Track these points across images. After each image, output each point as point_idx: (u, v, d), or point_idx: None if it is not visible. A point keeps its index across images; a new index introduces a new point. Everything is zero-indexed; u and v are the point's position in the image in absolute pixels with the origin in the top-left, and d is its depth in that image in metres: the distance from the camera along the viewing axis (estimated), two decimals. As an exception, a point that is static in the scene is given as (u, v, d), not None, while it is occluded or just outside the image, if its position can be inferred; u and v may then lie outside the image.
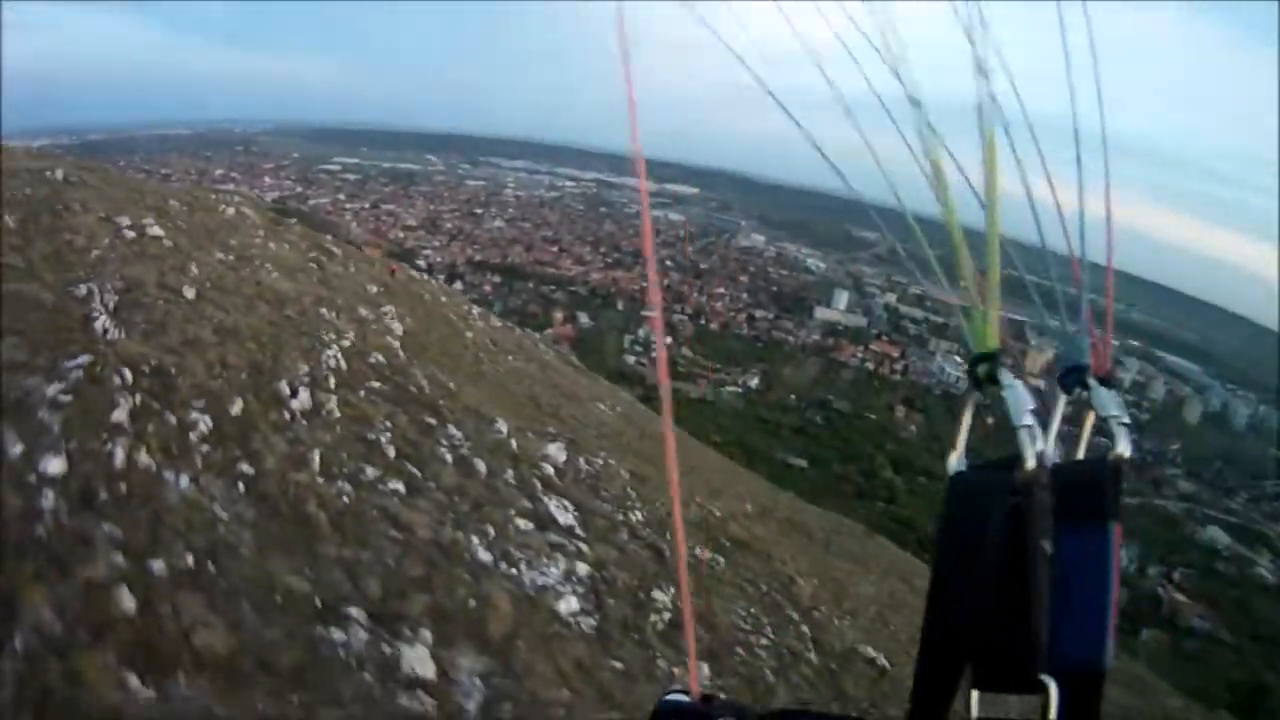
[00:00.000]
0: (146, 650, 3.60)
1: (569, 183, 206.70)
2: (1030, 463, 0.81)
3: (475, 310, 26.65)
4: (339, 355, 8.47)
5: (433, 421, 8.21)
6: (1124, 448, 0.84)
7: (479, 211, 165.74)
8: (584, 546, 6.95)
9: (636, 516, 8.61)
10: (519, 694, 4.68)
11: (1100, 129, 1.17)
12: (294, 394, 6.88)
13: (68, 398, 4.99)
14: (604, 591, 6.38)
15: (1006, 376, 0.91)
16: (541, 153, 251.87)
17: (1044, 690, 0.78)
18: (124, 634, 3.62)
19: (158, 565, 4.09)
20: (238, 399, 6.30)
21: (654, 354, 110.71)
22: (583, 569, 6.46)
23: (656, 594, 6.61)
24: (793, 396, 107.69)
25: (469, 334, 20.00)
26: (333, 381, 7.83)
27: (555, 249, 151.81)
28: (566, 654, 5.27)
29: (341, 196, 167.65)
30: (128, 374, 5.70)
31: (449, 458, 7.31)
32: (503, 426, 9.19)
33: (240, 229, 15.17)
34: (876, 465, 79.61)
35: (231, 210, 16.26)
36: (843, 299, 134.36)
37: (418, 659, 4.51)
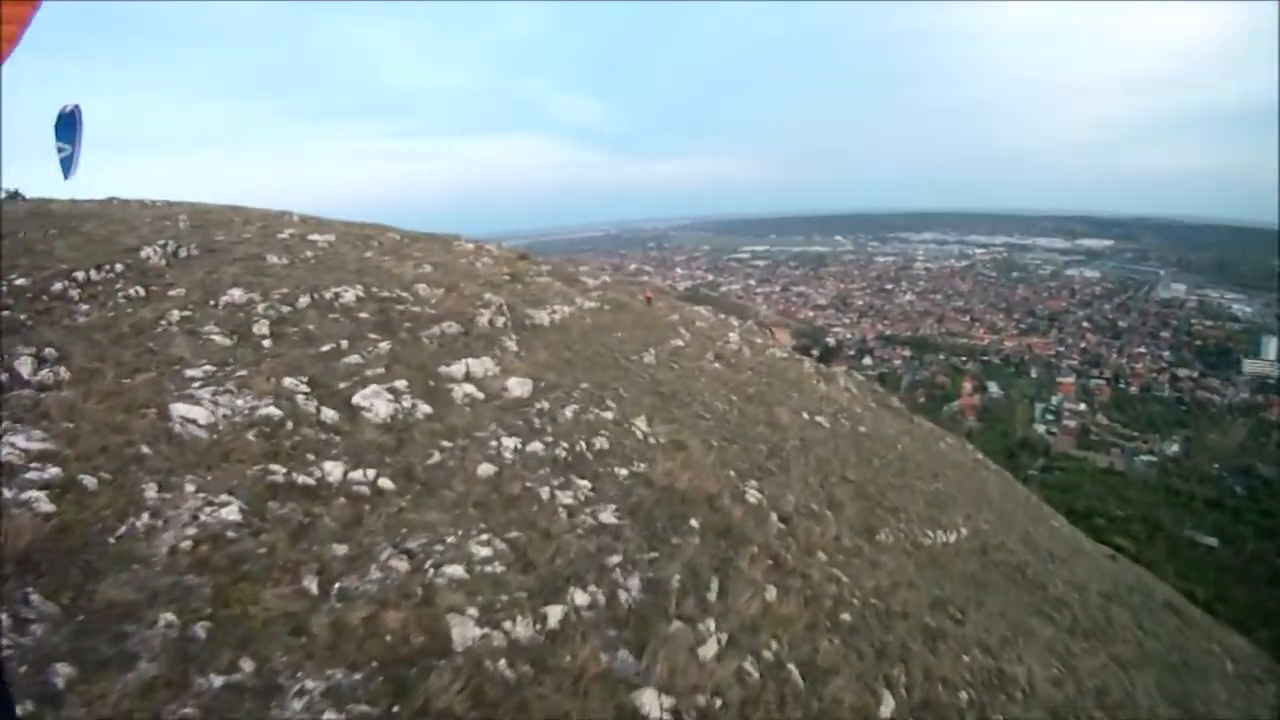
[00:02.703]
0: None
1: (979, 250, 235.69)
2: None
3: (735, 337, 33.96)
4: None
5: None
6: None
7: (889, 287, 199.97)
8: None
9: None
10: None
11: None
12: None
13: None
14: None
15: None
16: (950, 222, 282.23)
17: None
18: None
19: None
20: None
21: (1065, 422, 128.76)
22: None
23: None
24: (1214, 465, 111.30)
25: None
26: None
27: (967, 318, 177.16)
28: None
29: (752, 282, 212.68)
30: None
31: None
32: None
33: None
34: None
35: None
36: (1272, 346, 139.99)
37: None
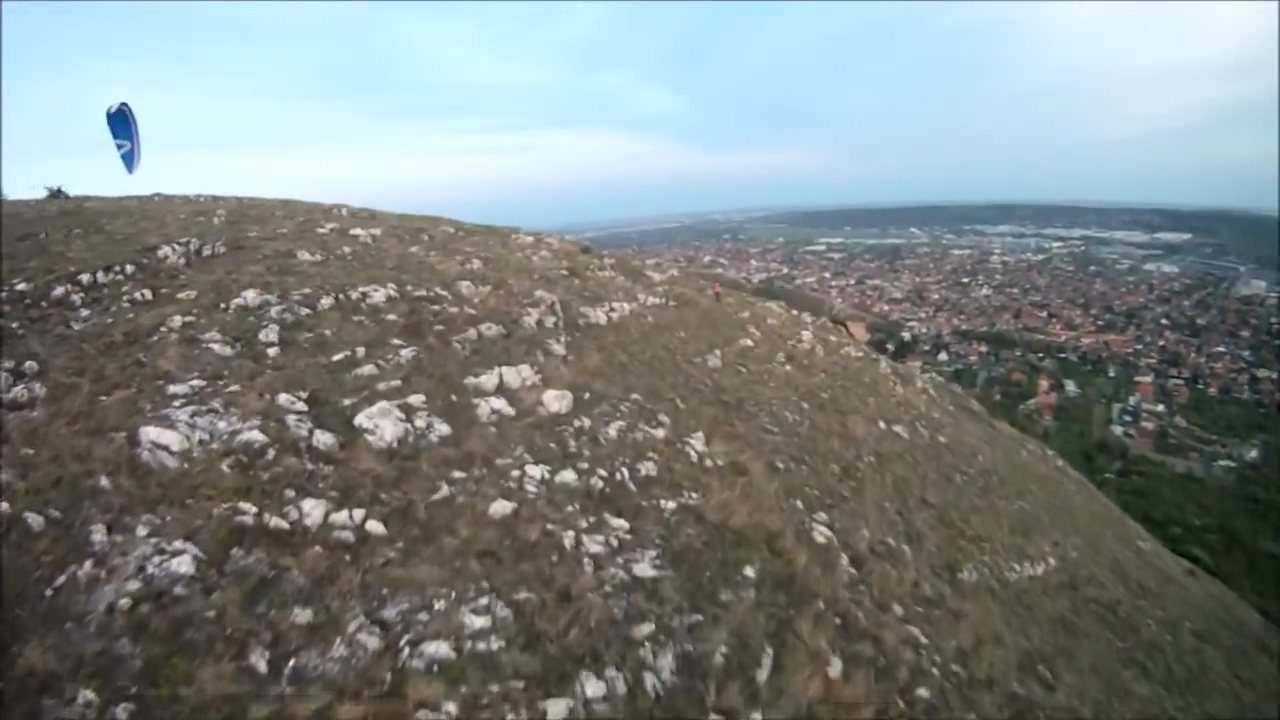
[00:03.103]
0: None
1: (1056, 243, 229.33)
2: None
3: (808, 334, 32.91)
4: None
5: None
6: None
7: (965, 281, 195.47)
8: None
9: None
10: None
11: None
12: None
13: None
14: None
15: None
16: (1026, 214, 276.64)
17: None
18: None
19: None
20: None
21: (1143, 424, 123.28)
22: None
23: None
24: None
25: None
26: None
27: (1044, 314, 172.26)
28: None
29: (827, 275, 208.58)
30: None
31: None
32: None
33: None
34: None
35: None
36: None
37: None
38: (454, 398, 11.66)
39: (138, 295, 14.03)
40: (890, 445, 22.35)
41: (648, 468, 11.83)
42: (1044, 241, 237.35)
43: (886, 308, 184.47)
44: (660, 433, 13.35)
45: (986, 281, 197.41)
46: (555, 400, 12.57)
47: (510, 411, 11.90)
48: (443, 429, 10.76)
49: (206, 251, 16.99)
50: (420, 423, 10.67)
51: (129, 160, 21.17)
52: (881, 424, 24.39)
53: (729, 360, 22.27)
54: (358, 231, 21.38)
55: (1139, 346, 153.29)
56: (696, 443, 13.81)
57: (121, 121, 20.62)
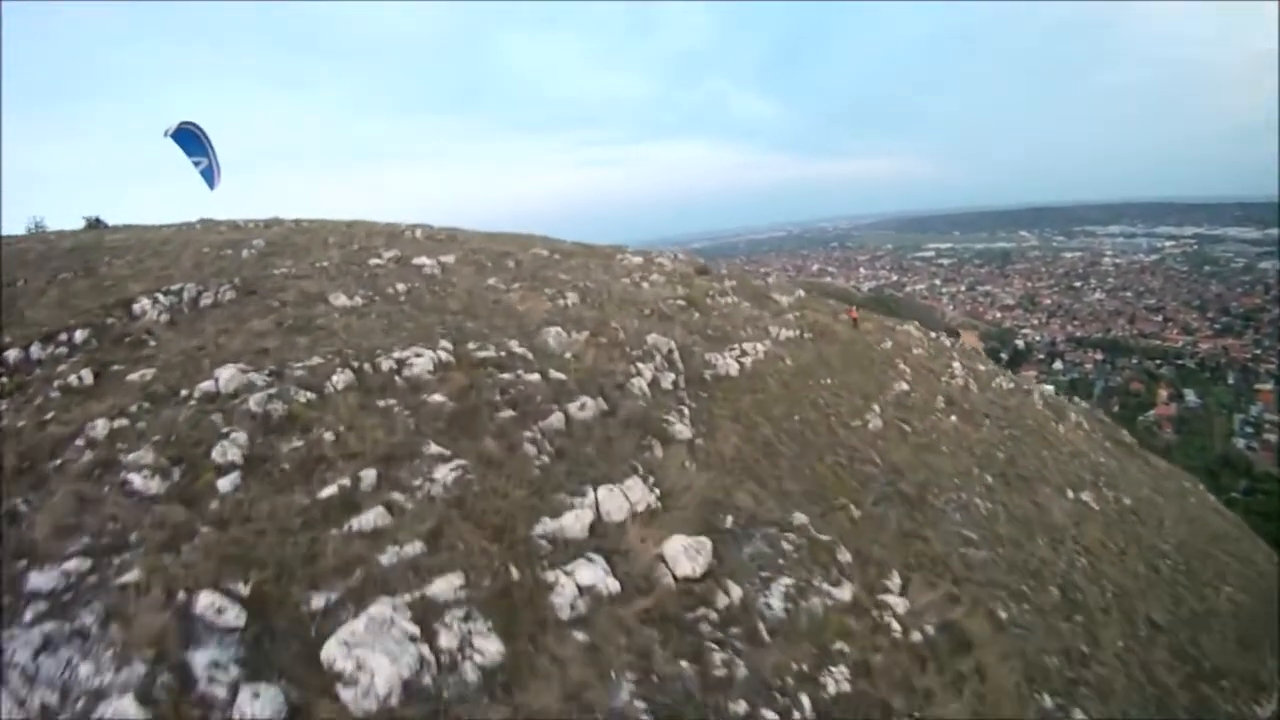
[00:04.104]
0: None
1: (1169, 243, 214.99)
2: None
3: (959, 367, 26.81)
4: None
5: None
6: None
7: (1077, 285, 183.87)
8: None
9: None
10: None
11: None
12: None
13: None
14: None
15: None
16: (1136, 213, 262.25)
17: None
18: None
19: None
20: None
21: (1265, 435, 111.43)
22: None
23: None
24: None
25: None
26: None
27: (1159, 318, 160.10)
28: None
29: (937, 281, 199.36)
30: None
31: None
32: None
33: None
34: None
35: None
36: None
37: None
38: (515, 572, 6.47)
39: (74, 379, 9.42)
40: (1090, 529, 17.80)
41: (839, 679, 6.62)
42: (1156, 241, 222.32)
43: (999, 314, 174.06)
44: (845, 591, 8.12)
45: (1099, 285, 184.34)
46: (684, 554, 7.39)
47: (610, 588, 6.73)
48: (490, 649, 5.65)
49: (206, 300, 12.53)
50: (449, 641, 5.58)
51: (209, 176, 19.22)
52: (1070, 493, 19.42)
53: (890, 417, 16.95)
54: (423, 261, 16.77)
55: (1258, 351, 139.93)
56: (895, 600, 8.53)
57: (190, 139, 18.79)
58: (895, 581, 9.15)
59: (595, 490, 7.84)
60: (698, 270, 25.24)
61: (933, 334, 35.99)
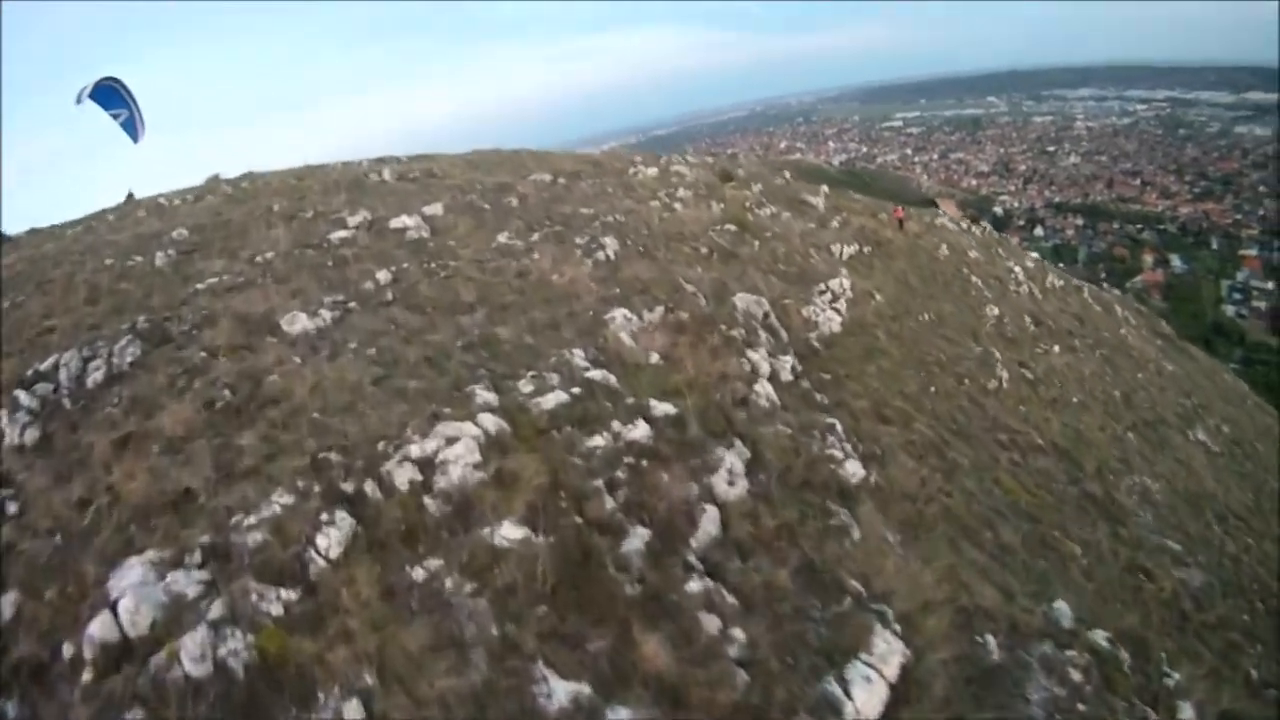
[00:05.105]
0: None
1: (1140, 106, 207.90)
2: None
3: (1018, 270, 24.36)
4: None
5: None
6: None
7: (1051, 149, 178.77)
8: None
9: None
10: None
11: None
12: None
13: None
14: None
15: None
16: (1106, 76, 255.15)
17: None
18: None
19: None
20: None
21: (1254, 303, 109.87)
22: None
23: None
24: None
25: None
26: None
27: (1137, 182, 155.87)
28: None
29: (909, 151, 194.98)
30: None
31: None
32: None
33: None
34: None
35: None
36: None
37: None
38: None
39: None
40: (1230, 488, 14.97)
41: None
42: (1128, 105, 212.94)
43: (974, 182, 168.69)
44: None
45: (1073, 149, 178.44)
46: None
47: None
48: None
49: (95, 372, 7.70)
50: None
51: (131, 128, 18.08)
52: (1189, 433, 16.44)
53: (1008, 362, 13.65)
54: (404, 222, 12.16)
55: (1239, 216, 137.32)
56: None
57: (109, 95, 17.70)
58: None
59: (845, 687, 4.42)
60: (722, 176, 21.32)
61: (964, 222, 32.41)
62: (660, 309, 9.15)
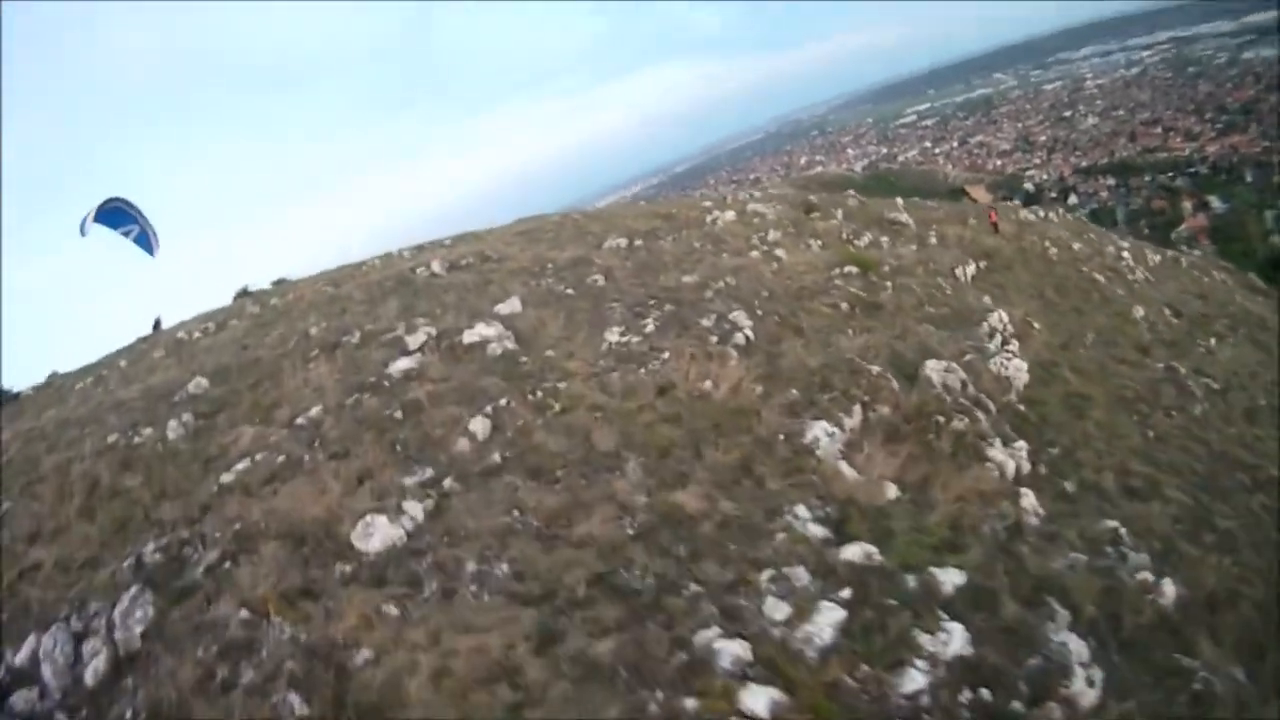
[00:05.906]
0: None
1: (1145, 52, 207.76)
2: None
3: (1126, 255, 22.52)
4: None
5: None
6: None
7: (1067, 114, 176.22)
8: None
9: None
10: None
11: None
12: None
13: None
14: None
15: None
16: (1104, 31, 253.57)
17: None
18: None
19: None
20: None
21: None
22: None
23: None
24: None
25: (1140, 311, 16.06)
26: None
27: (1158, 130, 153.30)
28: None
29: (928, 144, 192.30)
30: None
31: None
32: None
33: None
34: None
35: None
36: None
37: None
38: None
39: None
40: None
41: None
42: (1133, 55, 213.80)
43: (999, 162, 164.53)
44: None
45: (1089, 110, 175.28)
46: None
47: None
48: None
49: (92, 669, 5.57)
50: None
51: (145, 242, 17.44)
52: None
53: (1191, 374, 12.03)
54: (482, 332, 9.83)
55: (1266, 144, 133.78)
56: None
57: (114, 215, 17.18)
58: None
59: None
60: (806, 209, 19.87)
61: (1040, 211, 30.40)
62: (857, 408, 7.58)
